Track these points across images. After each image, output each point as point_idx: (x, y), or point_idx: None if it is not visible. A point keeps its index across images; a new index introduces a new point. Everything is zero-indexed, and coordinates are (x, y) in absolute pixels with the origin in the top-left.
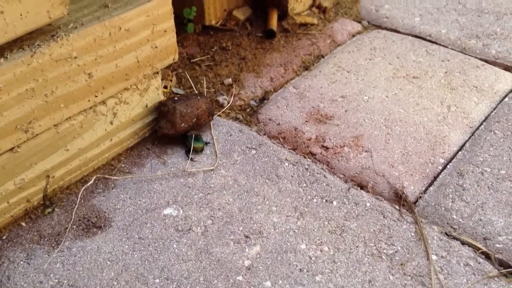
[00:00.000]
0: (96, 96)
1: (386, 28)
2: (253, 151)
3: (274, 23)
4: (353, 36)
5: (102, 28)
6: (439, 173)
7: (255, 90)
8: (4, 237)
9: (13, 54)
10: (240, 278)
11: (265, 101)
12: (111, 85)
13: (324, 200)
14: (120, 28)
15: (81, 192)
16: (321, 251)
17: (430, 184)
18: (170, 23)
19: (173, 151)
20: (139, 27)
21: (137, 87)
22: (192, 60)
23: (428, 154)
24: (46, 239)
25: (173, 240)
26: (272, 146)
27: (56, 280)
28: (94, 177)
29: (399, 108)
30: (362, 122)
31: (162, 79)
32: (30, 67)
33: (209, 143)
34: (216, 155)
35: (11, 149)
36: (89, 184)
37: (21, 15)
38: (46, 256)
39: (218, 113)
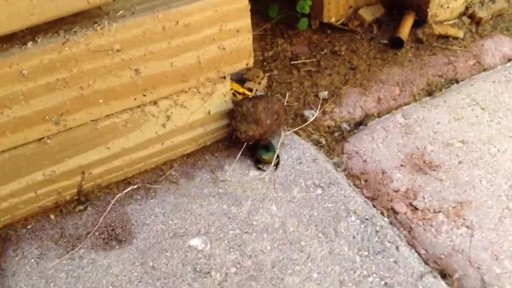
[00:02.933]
0: (144, 95)
1: None
2: (319, 191)
3: (405, 30)
4: (509, 60)
5: (154, 20)
6: None
7: (354, 111)
8: (29, 226)
9: (45, 38)
10: None
11: (361, 126)
12: (164, 85)
13: (382, 283)
14: (177, 22)
15: (118, 195)
16: None
17: None
18: (245, 22)
19: (230, 168)
20: (203, 24)
21: (198, 90)
22: (292, 62)
23: None
24: (65, 240)
25: (185, 282)
26: (345, 189)
27: None
28: (138, 180)
29: None
30: (476, 184)
31: (249, 81)
32: (61, 55)
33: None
34: (274, 185)
35: (40, 140)
36: (130, 187)
37: None
38: (57, 260)
39: (296, 128)
